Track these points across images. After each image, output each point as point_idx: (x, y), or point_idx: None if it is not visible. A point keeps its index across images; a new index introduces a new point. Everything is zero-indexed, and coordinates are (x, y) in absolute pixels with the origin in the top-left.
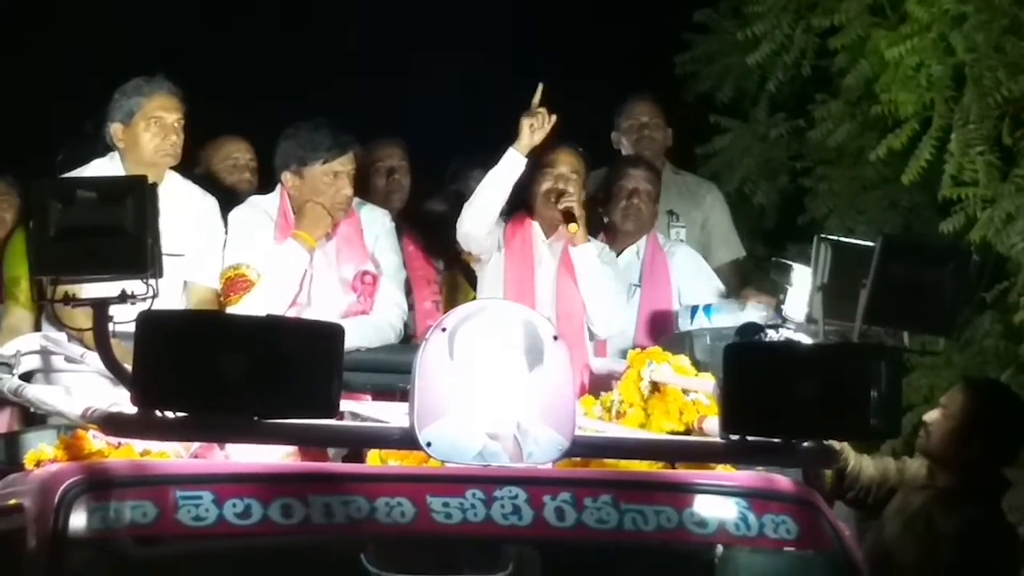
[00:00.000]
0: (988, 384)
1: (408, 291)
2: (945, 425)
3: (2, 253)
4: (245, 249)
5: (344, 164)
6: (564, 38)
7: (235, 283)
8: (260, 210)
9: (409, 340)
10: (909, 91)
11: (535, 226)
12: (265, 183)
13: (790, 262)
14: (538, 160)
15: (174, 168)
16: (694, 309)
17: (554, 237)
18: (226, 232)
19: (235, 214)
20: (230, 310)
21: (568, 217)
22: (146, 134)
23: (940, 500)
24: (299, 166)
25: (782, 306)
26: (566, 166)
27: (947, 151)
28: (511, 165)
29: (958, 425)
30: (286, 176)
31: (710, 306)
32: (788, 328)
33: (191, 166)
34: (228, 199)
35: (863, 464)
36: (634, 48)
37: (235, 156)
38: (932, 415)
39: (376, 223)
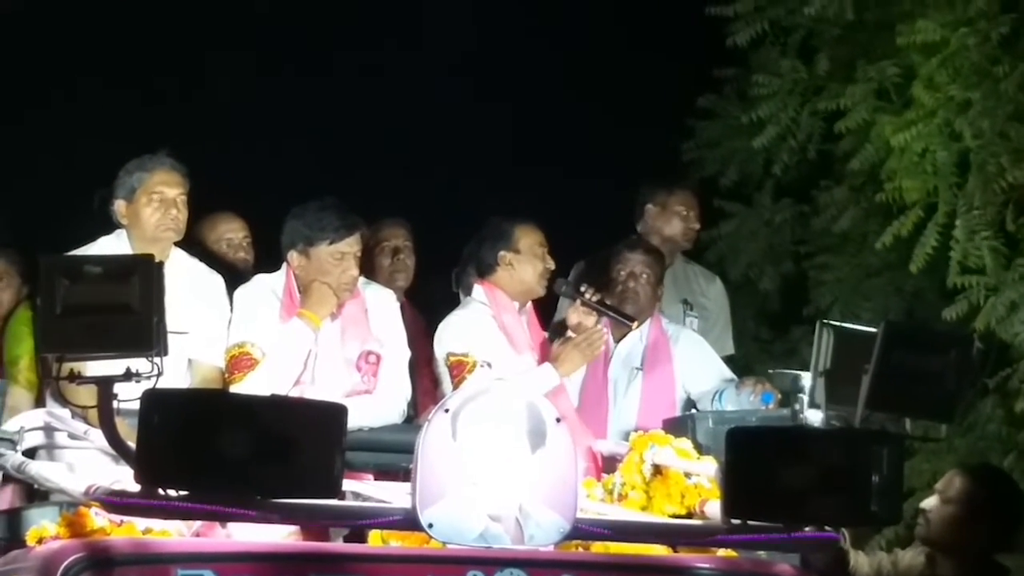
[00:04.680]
0: (986, 469)
1: (411, 371)
2: (945, 511)
3: (1, 333)
4: (250, 328)
5: (351, 245)
6: (569, 124)
7: (239, 361)
8: (266, 289)
9: (412, 420)
10: (914, 177)
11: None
12: (262, 258)
13: (795, 372)
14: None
15: (180, 244)
16: (714, 396)
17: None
18: (231, 310)
19: (240, 292)
20: (234, 388)
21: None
22: (147, 209)
23: None
24: (306, 246)
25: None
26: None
27: (952, 237)
28: (546, 382)
29: (960, 511)
30: (292, 255)
31: (723, 392)
32: None
33: (186, 243)
34: (225, 278)
35: (859, 561)
36: (639, 135)
37: (228, 236)
38: (930, 503)
39: (382, 303)
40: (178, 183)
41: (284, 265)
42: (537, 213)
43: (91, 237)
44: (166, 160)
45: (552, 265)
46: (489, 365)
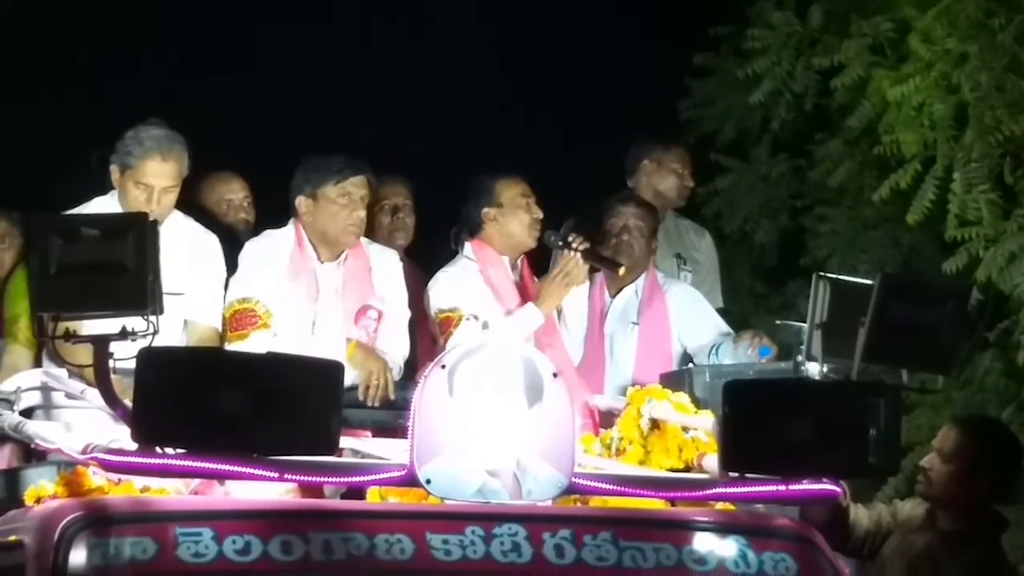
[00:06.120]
0: (981, 420)
1: (411, 329)
2: (945, 468)
3: (2, 292)
4: (255, 283)
5: (357, 186)
6: (563, 87)
7: (243, 317)
8: (274, 244)
9: (410, 378)
10: (912, 131)
11: None
12: (263, 213)
13: (801, 324)
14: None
15: (177, 205)
16: (711, 350)
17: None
18: (235, 267)
19: (249, 247)
20: (236, 344)
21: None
22: (135, 191)
23: (944, 542)
24: (312, 188)
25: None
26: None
27: (950, 190)
28: (529, 321)
29: (960, 466)
30: (300, 201)
31: (720, 346)
32: None
33: (183, 203)
34: (226, 239)
35: (858, 515)
36: (635, 94)
37: (228, 198)
38: (929, 459)
39: (385, 261)
40: (167, 174)
41: (292, 220)
42: (535, 171)
43: (85, 197)
44: (161, 146)
45: (539, 214)
46: (476, 318)
